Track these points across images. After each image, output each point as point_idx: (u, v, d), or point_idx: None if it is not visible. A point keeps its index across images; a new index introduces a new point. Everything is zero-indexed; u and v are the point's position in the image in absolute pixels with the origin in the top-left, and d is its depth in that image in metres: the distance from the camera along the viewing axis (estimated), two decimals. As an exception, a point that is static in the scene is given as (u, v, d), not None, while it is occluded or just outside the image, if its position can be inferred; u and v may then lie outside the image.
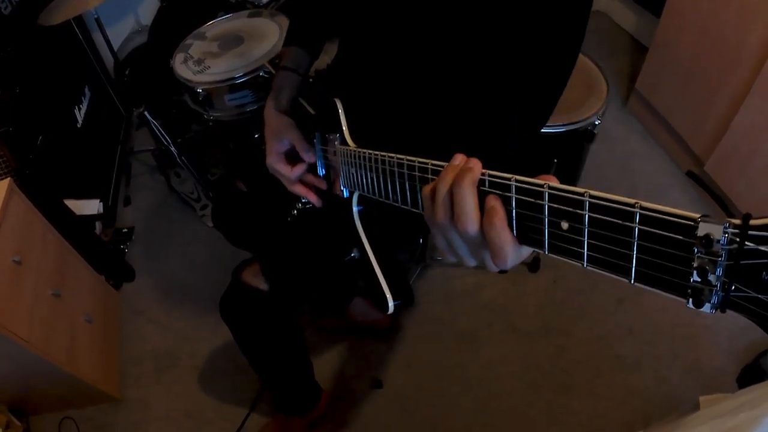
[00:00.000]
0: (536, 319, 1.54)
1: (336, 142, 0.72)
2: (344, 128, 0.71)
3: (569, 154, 1.37)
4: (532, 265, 1.64)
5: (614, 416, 1.32)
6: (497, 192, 0.41)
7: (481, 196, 0.42)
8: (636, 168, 1.90)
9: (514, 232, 0.40)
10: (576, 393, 1.38)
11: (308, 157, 0.83)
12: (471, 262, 0.46)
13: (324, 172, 0.84)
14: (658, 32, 1.82)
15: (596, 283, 1.59)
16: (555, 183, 0.36)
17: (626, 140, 1.99)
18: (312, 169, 0.86)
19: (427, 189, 0.46)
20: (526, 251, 0.42)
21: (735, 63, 1.49)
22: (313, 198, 0.85)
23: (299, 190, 0.86)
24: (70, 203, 1.62)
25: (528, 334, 1.51)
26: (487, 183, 0.42)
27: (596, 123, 1.28)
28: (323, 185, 0.85)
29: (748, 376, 1.29)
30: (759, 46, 1.39)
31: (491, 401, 1.39)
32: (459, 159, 0.45)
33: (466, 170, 0.42)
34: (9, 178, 1.25)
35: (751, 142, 1.48)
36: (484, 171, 0.42)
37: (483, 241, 0.42)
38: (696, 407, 0.73)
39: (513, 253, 0.41)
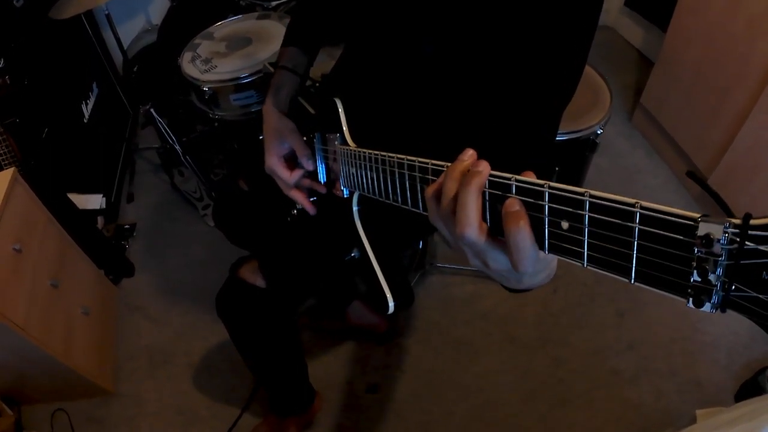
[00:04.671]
0: (534, 330, 1.53)
1: (336, 142, 0.73)
2: (344, 128, 0.71)
3: (571, 163, 1.37)
4: (532, 274, 1.63)
5: (610, 430, 1.31)
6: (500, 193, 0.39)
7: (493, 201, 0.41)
8: (640, 182, 1.89)
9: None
10: (572, 405, 1.36)
11: (308, 164, 0.83)
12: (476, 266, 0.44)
13: (324, 172, 0.84)
14: (663, 47, 1.83)
15: (596, 296, 1.58)
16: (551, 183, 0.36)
17: (631, 154, 1.99)
18: (311, 174, 0.86)
19: (430, 190, 0.44)
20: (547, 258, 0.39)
21: (740, 77, 1.49)
22: (308, 206, 0.86)
23: (295, 195, 0.86)
24: (74, 197, 1.63)
25: (526, 345, 1.50)
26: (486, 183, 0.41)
27: (598, 132, 1.28)
28: (322, 189, 0.85)
29: (746, 393, 1.28)
30: (765, 61, 1.39)
31: (487, 411, 1.37)
32: (468, 155, 0.42)
33: (474, 174, 0.40)
34: (13, 168, 1.26)
35: (755, 157, 1.47)
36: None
37: (486, 246, 0.41)
38: (693, 421, 0.72)
39: (534, 259, 0.39)
